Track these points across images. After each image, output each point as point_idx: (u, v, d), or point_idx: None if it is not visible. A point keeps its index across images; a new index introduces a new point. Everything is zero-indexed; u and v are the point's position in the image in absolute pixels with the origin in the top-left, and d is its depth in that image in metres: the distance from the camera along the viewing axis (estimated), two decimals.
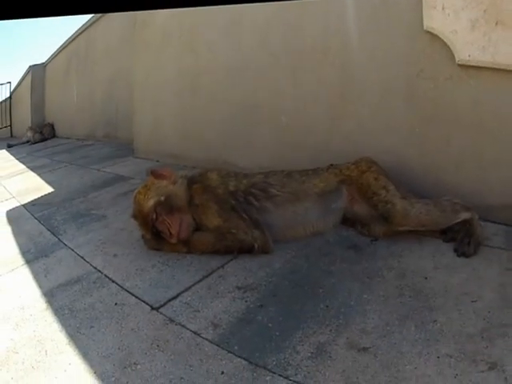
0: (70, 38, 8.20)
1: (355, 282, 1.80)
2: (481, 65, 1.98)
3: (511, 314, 1.72)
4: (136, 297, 1.73)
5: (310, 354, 1.40)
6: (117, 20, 5.19)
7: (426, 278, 1.82)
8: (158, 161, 4.18)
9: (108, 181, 3.89)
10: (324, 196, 2.08)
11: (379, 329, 1.55)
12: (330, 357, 1.41)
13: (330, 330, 1.53)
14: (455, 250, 1.96)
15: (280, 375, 1.32)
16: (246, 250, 1.95)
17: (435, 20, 2.02)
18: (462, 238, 1.96)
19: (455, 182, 2.17)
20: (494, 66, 1.96)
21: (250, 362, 1.37)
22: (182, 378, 1.30)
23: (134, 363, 1.36)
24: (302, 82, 2.53)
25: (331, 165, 2.19)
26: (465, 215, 1.98)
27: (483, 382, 1.44)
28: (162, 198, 1.98)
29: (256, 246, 1.94)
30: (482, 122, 2.09)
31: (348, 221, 2.14)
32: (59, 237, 2.53)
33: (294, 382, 1.31)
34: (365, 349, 1.45)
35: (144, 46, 4.00)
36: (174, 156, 3.65)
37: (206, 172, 2.21)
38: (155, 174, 2.09)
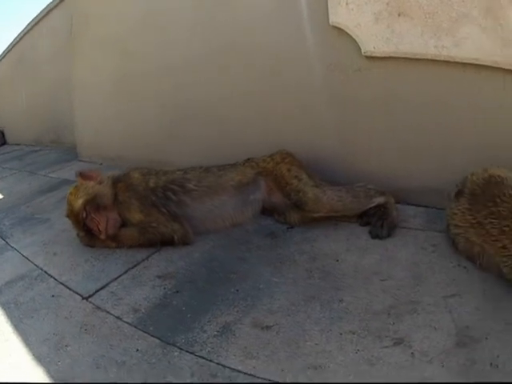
0: (14, 42, 7.96)
1: (267, 267, 1.89)
2: (386, 55, 2.12)
3: (422, 292, 1.80)
4: (70, 289, 1.90)
5: (216, 333, 1.55)
6: (59, 23, 5.28)
7: (337, 261, 1.90)
8: (101, 163, 4.29)
9: (54, 185, 4.07)
10: (241, 188, 2.18)
11: (284, 309, 1.66)
12: (234, 335, 1.54)
13: (237, 311, 1.65)
14: (370, 233, 2.05)
15: (187, 351, 1.47)
16: (167, 241, 2.07)
17: (340, 15, 2.15)
18: (375, 221, 2.05)
19: (375, 169, 2.27)
20: (399, 56, 2.10)
21: (162, 341, 1.54)
22: (103, 355, 1.49)
23: (66, 345, 1.56)
24: (228, 79, 2.62)
25: (248, 158, 2.31)
26: (379, 199, 2.09)
27: (386, 356, 1.49)
28: (89, 198, 2.11)
29: (176, 237, 2.05)
30: (393, 110, 2.20)
31: (267, 211, 2.23)
32: (6, 240, 2.68)
33: (199, 356, 1.45)
34: (268, 327, 1.57)
35: (81, 51, 4.14)
36: (117, 157, 3.71)
37: (130, 171, 2.33)
38: (83, 175, 2.22)
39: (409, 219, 2.20)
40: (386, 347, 1.54)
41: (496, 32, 2.05)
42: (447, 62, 2.06)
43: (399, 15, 2.04)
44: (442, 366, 1.52)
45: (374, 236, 2.02)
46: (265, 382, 1.34)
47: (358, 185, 2.11)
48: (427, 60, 2.05)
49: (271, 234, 2.11)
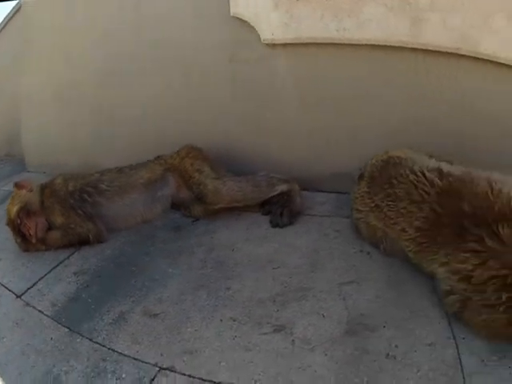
0: None
1: (166, 259, 1.95)
2: (285, 42, 2.11)
3: (315, 279, 1.76)
4: (8, 289, 2.07)
5: (111, 321, 1.70)
6: (15, 34, 5.39)
7: (232, 250, 1.89)
8: (44, 172, 4.42)
9: (4, 198, 4.27)
10: (150, 186, 2.25)
11: (173, 297, 1.75)
12: (126, 322, 1.68)
13: (132, 301, 1.77)
14: (270, 222, 2.03)
15: (87, 338, 1.66)
16: (84, 241, 2.17)
17: (240, 6, 2.15)
18: (276, 209, 2.04)
19: (286, 157, 2.25)
20: (299, 41, 2.08)
21: (70, 330, 1.73)
22: (28, 344, 1.69)
23: (2, 337, 1.76)
24: (144, 80, 2.58)
25: (159, 156, 2.37)
26: (282, 187, 2.07)
27: (264, 343, 1.49)
28: (22, 205, 2.28)
29: (91, 236, 2.15)
30: (297, 97, 2.18)
31: (176, 205, 2.27)
32: None
33: (95, 342, 1.62)
34: (155, 315, 1.69)
35: (28, 61, 4.29)
36: (60, 165, 3.73)
37: (55, 178, 2.47)
38: (17, 185, 2.39)
39: (316, 206, 2.19)
40: (265, 334, 1.54)
41: (404, 11, 2.03)
42: (353, 45, 2.03)
43: (298, 0, 2.05)
44: (325, 355, 1.48)
45: (274, 225, 2.01)
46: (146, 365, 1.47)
47: (261, 174, 2.12)
48: (329, 44, 2.03)
49: (177, 227, 2.15)
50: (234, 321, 1.58)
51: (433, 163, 1.82)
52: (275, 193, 2.05)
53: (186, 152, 2.18)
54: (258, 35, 2.09)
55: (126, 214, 2.20)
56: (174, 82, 2.28)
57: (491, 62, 2.12)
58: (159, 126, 2.36)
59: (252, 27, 2.08)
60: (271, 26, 2.05)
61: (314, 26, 2.03)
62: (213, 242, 1.96)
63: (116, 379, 1.45)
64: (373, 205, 1.81)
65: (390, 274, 1.82)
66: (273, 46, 2.08)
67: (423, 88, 2.18)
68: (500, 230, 1.50)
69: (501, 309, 1.45)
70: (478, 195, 1.61)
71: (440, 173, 1.74)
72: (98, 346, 1.59)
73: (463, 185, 1.66)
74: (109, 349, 1.57)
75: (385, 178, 1.81)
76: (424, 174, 1.72)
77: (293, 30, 2.04)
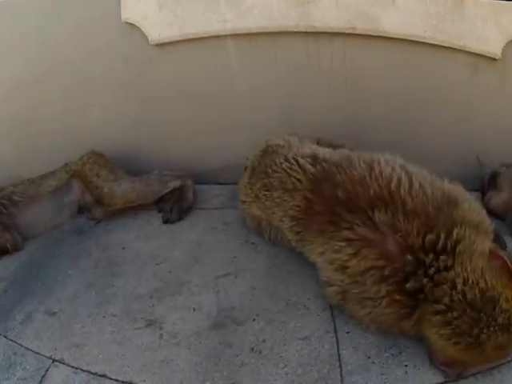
0: None
1: (68, 261, 2.03)
2: (172, 40, 2.09)
3: (194, 273, 1.82)
4: None
5: (21, 320, 1.80)
6: None
7: (123, 249, 1.96)
8: None
9: None
10: (57, 193, 2.29)
11: (69, 297, 1.85)
12: (32, 321, 1.78)
13: (38, 302, 1.87)
14: (162, 218, 2.08)
15: (3, 335, 1.74)
16: (3, 251, 2.21)
17: (130, 10, 2.12)
18: (167, 206, 2.09)
19: (181, 153, 2.27)
20: (184, 38, 2.07)
21: None
22: None
23: None
24: (48, 90, 2.42)
25: (66, 163, 2.38)
26: (174, 184, 2.11)
27: (136, 337, 1.57)
28: None
29: (9, 246, 2.20)
30: (189, 93, 2.17)
31: (82, 209, 2.31)
32: None
33: (9, 339, 1.71)
34: (54, 313, 1.79)
35: None
36: None
37: None
38: None
39: (210, 199, 2.23)
40: (139, 328, 1.62)
41: None
42: (236, 36, 2.03)
43: None
44: (189, 349, 1.55)
45: (165, 221, 2.07)
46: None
47: (154, 172, 2.16)
48: (212, 37, 2.03)
49: (81, 231, 2.21)
50: (114, 316, 1.68)
51: (309, 149, 1.80)
52: (168, 190, 2.10)
53: (87, 158, 2.24)
54: (146, 37, 2.09)
55: (38, 222, 2.28)
56: (71, 88, 2.28)
57: (390, 38, 2.10)
58: (66, 134, 2.41)
59: (141, 30, 2.08)
60: (157, 27, 2.06)
61: (197, 22, 2.03)
62: (108, 242, 2.04)
63: (22, 370, 1.57)
64: (253, 195, 1.84)
65: (273, 264, 1.86)
66: (161, 45, 2.09)
67: (316, 72, 2.15)
68: (376, 215, 1.47)
69: (383, 303, 1.41)
70: (354, 180, 1.59)
71: (314, 159, 1.73)
72: (11, 342, 1.70)
73: (339, 170, 1.63)
74: (18, 344, 1.69)
75: (262, 167, 1.83)
76: (297, 161, 1.72)
77: (177, 27, 2.05)
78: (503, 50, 2.14)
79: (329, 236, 1.53)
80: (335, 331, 1.53)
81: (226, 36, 2.06)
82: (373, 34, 2.08)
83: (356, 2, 2.07)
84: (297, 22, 2.05)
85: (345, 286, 1.48)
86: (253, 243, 1.90)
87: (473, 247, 1.45)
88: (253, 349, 1.49)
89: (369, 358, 1.46)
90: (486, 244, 1.50)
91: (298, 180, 1.66)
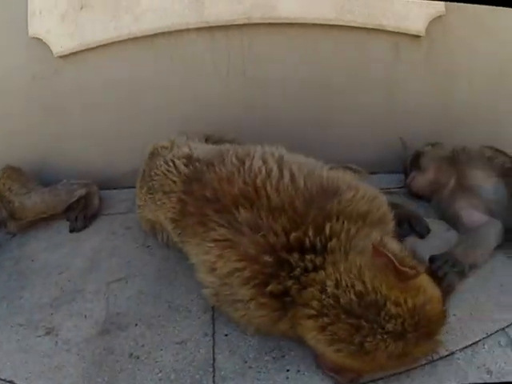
0: None
1: None
2: (73, 51, 2.09)
3: (90, 279, 1.83)
4: None
5: None
6: None
7: (32, 261, 1.99)
8: None
9: None
10: None
11: None
12: None
13: None
14: (69, 227, 2.10)
15: None
16: None
17: (35, 25, 2.12)
18: (73, 214, 2.12)
19: (89, 160, 2.28)
20: (85, 48, 2.07)
21: None
22: None
23: None
24: None
25: None
26: (80, 192, 2.13)
27: (37, 345, 1.61)
28: None
29: None
30: (93, 102, 2.18)
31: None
32: None
33: None
34: None
35: None
36: None
37: None
38: None
39: (116, 204, 2.25)
40: (39, 336, 1.67)
41: None
42: (134, 40, 2.02)
43: (82, 8, 2.07)
44: (78, 355, 1.59)
45: (71, 230, 2.09)
46: None
47: (62, 182, 2.18)
48: (111, 44, 2.04)
49: None
50: (20, 326, 1.71)
51: (187, 149, 1.78)
52: (74, 199, 2.12)
53: (2, 173, 2.25)
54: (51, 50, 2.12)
55: None
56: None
57: (292, 24, 2.06)
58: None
59: (46, 44, 2.10)
60: (60, 39, 2.09)
61: (96, 30, 2.06)
62: (20, 255, 2.06)
63: None
64: (144, 199, 1.85)
65: (163, 267, 1.87)
66: (65, 57, 2.11)
67: (212, 68, 2.14)
68: (240, 214, 1.42)
69: (251, 306, 1.36)
70: (221, 177, 1.56)
71: (188, 159, 1.72)
72: None
73: (209, 168, 1.62)
74: None
75: (148, 170, 1.85)
76: (174, 163, 1.72)
77: (78, 38, 2.07)
78: (429, 26, 2.08)
79: (200, 237, 1.52)
80: (213, 334, 1.53)
81: (126, 41, 2.05)
82: (270, 21, 2.05)
83: None
84: (190, 19, 2.05)
85: (217, 288, 1.47)
86: (148, 246, 1.93)
87: (351, 243, 1.35)
88: (132, 354, 1.51)
89: (246, 362, 1.44)
90: (374, 237, 1.36)
91: (174, 182, 1.67)
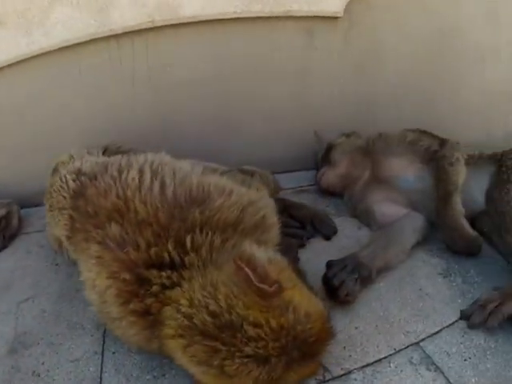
0: None
1: None
2: None
3: (7, 299, 1.75)
4: None
5: None
6: None
7: None
8: None
9: None
10: None
11: None
12: None
13: None
14: None
15: None
16: None
17: None
18: None
19: (5, 180, 2.22)
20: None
21: None
22: None
23: None
24: None
25: None
26: (0, 212, 2.05)
27: None
28: None
29: None
30: (8, 119, 2.13)
31: None
32: None
33: None
34: None
35: None
36: None
37: None
38: None
39: (35, 222, 2.15)
40: None
41: (90, 4, 1.96)
42: (43, 55, 1.98)
43: None
44: None
45: None
46: None
47: None
48: (24, 61, 1.98)
49: None
50: None
51: (78, 163, 1.71)
52: None
53: None
54: None
55: None
56: None
57: (197, 23, 1.99)
58: None
59: None
60: None
61: (8, 47, 2.01)
62: None
63: None
64: (49, 216, 1.80)
65: (65, 285, 1.82)
66: None
67: (120, 76, 2.08)
68: (111, 229, 1.35)
69: (124, 323, 1.30)
70: (100, 191, 1.49)
71: (77, 174, 1.65)
72: None
73: (92, 182, 1.55)
74: None
75: (49, 187, 1.78)
76: (66, 178, 1.65)
77: None
78: (348, 6, 1.95)
79: (86, 254, 1.46)
80: (103, 352, 1.50)
81: (38, 57, 2.01)
82: (174, 22, 1.98)
83: None
84: (96, 28, 2.00)
85: (99, 306, 1.41)
86: (56, 264, 1.89)
87: (212, 256, 1.25)
88: (34, 372, 1.49)
89: (129, 380, 1.40)
90: (243, 248, 1.25)
91: (65, 198, 1.61)
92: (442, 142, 1.81)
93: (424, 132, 1.83)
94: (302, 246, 1.78)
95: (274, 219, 1.47)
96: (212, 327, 1.10)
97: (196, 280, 1.19)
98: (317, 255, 1.75)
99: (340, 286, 1.45)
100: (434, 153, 1.75)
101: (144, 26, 1.98)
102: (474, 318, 1.46)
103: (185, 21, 1.97)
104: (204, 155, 1.85)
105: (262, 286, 1.08)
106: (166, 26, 1.97)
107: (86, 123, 2.19)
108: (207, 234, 1.27)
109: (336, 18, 1.99)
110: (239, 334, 1.07)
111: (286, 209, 1.90)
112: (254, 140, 2.10)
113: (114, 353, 1.50)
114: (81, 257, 1.55)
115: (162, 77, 2.07)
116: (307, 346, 1.11)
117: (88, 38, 2.02)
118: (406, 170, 1.76)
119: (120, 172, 1.53)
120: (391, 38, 2.06)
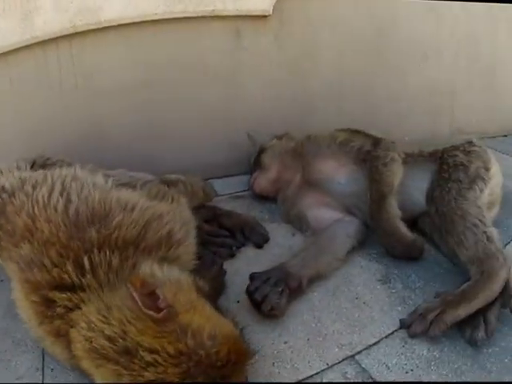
0: None
1: None
2: None
3: None
4: None
5: None
6: None
7: None
8: None
9: None
10: None
11: None
12: None
13: None
14: None
15: None
16: None
17: None
18: None
19: None
20: None
21: None
22: None
23: None
24: None
25: None
26: None
27: None
28: None
29: None
30: None
31: None
32: None
33: None
34: None
35: None
36: None
37: None
38: None
39: None
40: None
41: (15, 9, 1.86)
42: None
43: None
44: None
45: None
46: None
47: None
48: None
49: None
50: None
51: (3, 180, 1.55)
52: None
53: None
54: None
55: None
56: None
57: (114, 27, 1.91)
58: None
59: None
60: None
61: None
62: None
63: None
64: None
65: (11, 301, 1.57)
66: None
67: (47, 84, 1.98)
68: (23, 250, 1.27)
69: (47, 342, 1.25)
70: (16, 210, 1.37)
71: (0, 190, 1.49)
72: None
73: (11, 200, 1.42)
74: None
75: None
76: None
77: None
78: (277, 3, 1.88)
79: (11, 273, 1.37)
80: (43, 368, 1.39)
81: None
82: (94, 27, 1.89)
83: None
84: (21, 36, 1.89)
85: (28, 324, 1.30)
86: (1, 280, 1.73)
87: (109, 278, 1.18)
88: None
89: None
90: (144, 268, 1.20)
91: None
92: (376, 142, 1.72)
93: (356, 131, 1.76)
94: (232, 255, 1.70)
95: (183, 234, 1.37)
96: (111, 351, 1.04)
97: (92, 303, 1.12)
98: (247, 265, 1.66)
99: (263, 301, 1.34)
100: (367, 153, 1.66)
101: (66, 32, 1.89)
102: (414, 328, 1.37)
103: (106, 24, 1.88)
104: (136, 164, 1.76)
105: (148, 312, 1.01)
106: (89, 31, 1.89)
107: (14, 135, 2.06)
108: (105, 253, 1.19)
109: (265, 16, 1.92)
110: (137, 360, 1.00)
111: (215, 217, 1.83)
112: (188, 146, 2.02)
113: (52, 369, 1.39)
114: (10, 275, 1.46)
115: (88, 84, 1.99)
116: (216, 371, 1.01)
117: (14, 47, 1.91)
118: (338, 172, 1.68)
119: (34, 188, 1.44)
120: (326, 36, 1.99)
